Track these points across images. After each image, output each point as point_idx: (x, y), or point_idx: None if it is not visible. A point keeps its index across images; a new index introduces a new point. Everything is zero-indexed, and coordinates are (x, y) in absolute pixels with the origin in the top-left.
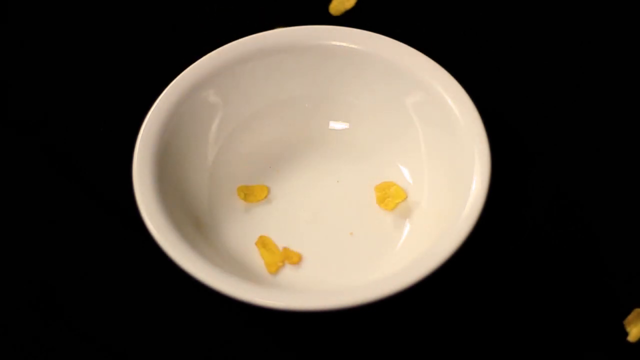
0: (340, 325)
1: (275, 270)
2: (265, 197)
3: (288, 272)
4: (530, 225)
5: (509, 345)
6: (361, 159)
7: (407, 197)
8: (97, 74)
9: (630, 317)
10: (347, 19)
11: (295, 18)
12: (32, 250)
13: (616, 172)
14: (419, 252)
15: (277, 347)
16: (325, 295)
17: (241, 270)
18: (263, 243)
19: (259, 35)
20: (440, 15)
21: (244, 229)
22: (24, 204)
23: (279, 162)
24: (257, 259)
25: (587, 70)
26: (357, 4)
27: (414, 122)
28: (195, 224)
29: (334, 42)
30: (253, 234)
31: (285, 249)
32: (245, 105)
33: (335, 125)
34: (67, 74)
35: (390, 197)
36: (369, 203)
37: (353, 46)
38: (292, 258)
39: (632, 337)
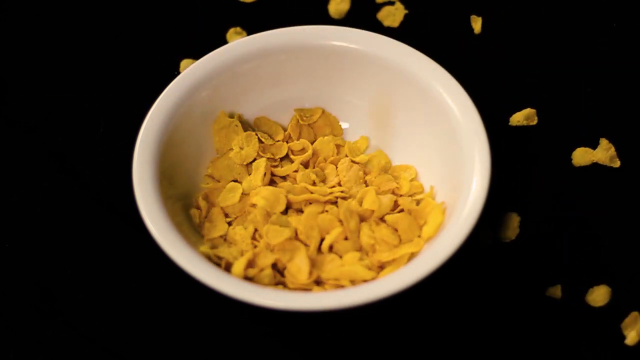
0: (341, 325)
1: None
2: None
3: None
4: (530, 225)
5: (508, 346)
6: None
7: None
8: (96, 74)
9: (627, 320)
10: (347, 19)
11: (295, 18)
12: (31, 250)
13: (616, 172)
14: (419, 252)
15: (277, 347)
16: (326, 296)
17: None
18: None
19: (259, 35)
20: (440, 15)
21: None
22: (23, 203)
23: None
24: None
25: (587, 70)
26: (356, 5)
27: (414, 122)
28: (195, 224)
29: (334, 42)
30: None
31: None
32: (245, 106)
33: None
34: (67, 74)
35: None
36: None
37: (353, 46)
38: None
39: (629, 341)
